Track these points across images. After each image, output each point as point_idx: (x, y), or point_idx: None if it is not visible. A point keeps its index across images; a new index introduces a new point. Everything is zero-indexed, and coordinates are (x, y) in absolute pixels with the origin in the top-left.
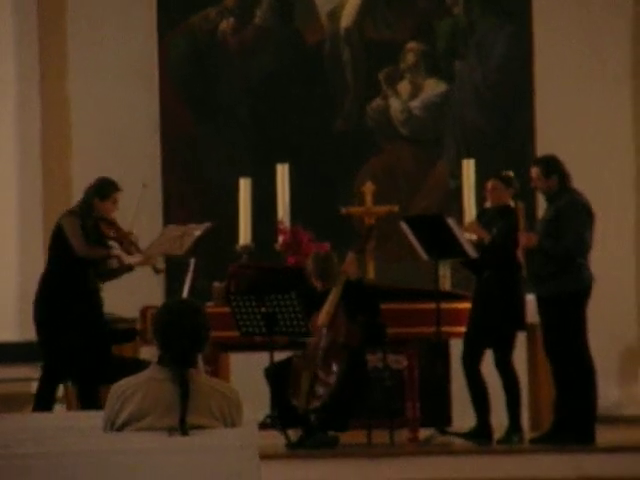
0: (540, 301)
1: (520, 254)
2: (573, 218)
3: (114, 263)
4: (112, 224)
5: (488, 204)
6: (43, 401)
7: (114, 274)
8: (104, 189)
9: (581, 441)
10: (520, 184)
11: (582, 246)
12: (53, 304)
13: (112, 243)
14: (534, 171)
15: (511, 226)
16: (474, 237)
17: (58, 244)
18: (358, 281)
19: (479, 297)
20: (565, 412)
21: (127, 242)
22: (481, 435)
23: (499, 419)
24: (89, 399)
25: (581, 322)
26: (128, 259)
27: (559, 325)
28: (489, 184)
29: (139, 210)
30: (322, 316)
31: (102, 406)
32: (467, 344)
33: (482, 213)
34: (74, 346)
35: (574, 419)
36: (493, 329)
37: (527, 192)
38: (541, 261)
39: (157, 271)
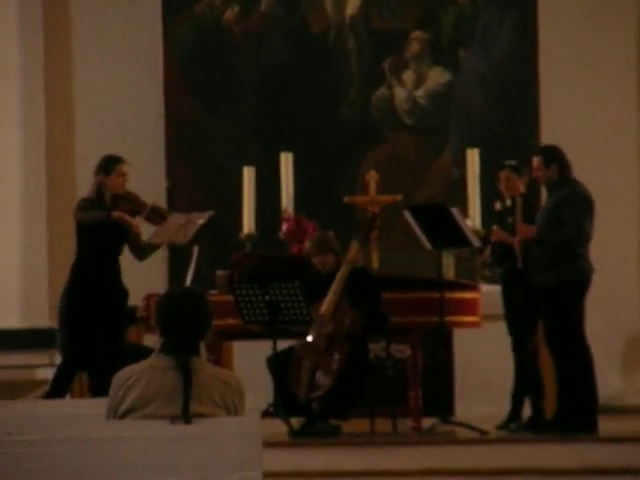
0: (540, 291)
1: (517, 246)
2: (572, 208)
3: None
4: (126, 198)
5: (506, 196)
6: (59, 387)
7: (152, 247)
8: (107, 165)
9: (584, 430)
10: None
11: (582, 236)
12: (78, 293)
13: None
14: (535, 160)
15: (526, 215)
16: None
17: (79, 234)
18: (362, 269)
19: (506, 288)
20: (568, 402)
21: (148, 212)
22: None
23: (503, 406)
24: (102, 389)
25: (579, 312)
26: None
27: (558, 315)
28: (502, 175)
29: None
30: (325, 305)
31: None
32: (514, 334)
33: (503, 208)
34: (96, 335)
35: (577, 409)
36: (518, 317)
37: (531, 181)
38: (540, 251)
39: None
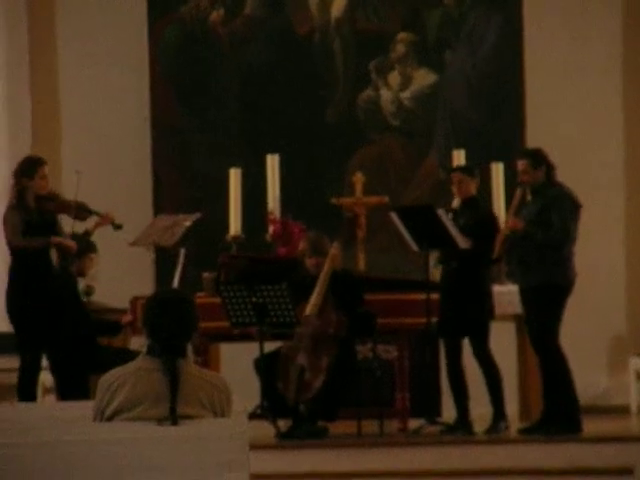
0: (523, 291)
1: (499, 242)
2: (560, 210)
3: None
4: (51, 198)
5: (456, 198)
6: (26, 391)
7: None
8: (27, 168)
9: (568, 431)
10: (510, 174)
11: (567, 236)
12: (19, 293)
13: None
14: (522, 163)
15: (478, 218)
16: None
17: (6, 238)
18: (344, 272)
19: (450, 289)
20: (552, 402)
21: (74, 210)
22: (463, 427)
23: (485, 409)
24: (70, 388)
25: (557, 315)
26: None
27: (541, 315)
28: (454, 177)
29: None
30: (309, 307)
31: (91, 396)
32: (446, 336)
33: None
34: (45, 328)
35: (561, 409)
36: (468, 319)
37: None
38: (525, 251)
39: (116, 227)
